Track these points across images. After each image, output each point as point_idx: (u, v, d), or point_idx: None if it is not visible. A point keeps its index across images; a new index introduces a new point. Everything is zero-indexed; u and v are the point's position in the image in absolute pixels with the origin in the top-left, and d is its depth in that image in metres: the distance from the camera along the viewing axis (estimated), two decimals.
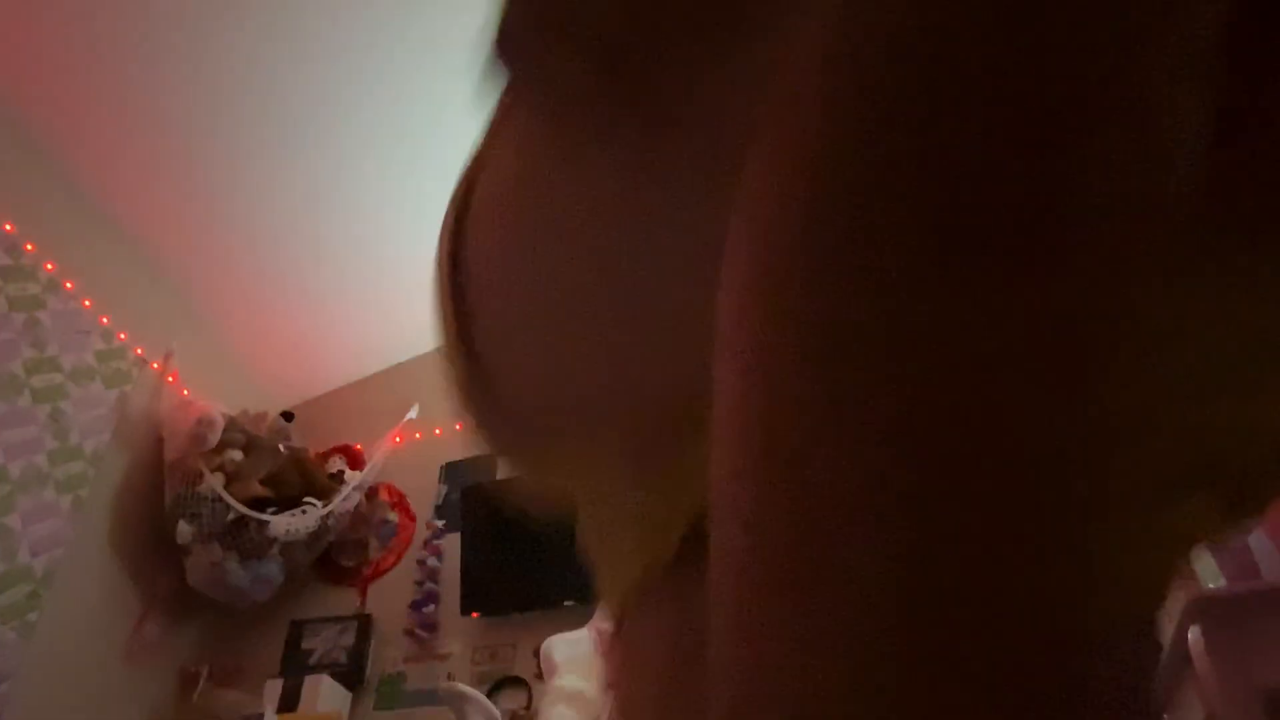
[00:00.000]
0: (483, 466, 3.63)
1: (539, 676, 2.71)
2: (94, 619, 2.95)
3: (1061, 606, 0.22)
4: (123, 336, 3.19)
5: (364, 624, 3.28)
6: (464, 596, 3.19)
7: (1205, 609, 1.52)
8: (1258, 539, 1.80)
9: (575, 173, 0.42)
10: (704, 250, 0.27)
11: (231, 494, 3.04)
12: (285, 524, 3.11)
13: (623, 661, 0.48)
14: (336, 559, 3.54)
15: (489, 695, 2.87)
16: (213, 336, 3.69)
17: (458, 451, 3.74)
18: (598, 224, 0.41)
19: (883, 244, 0.22)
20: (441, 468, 3.71)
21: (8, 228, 2.80)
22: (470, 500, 3.43)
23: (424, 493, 3.67)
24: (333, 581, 3.53)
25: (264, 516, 3.07)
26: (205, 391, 3.45)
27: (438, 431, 3.84)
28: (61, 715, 2.75)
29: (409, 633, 3.25)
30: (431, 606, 3.29)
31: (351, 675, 3.14)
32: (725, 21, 0.33)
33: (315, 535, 3.27)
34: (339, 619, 3.33)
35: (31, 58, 2.65)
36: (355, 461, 3.68)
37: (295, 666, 3.19)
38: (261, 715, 2.86)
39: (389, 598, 3.40)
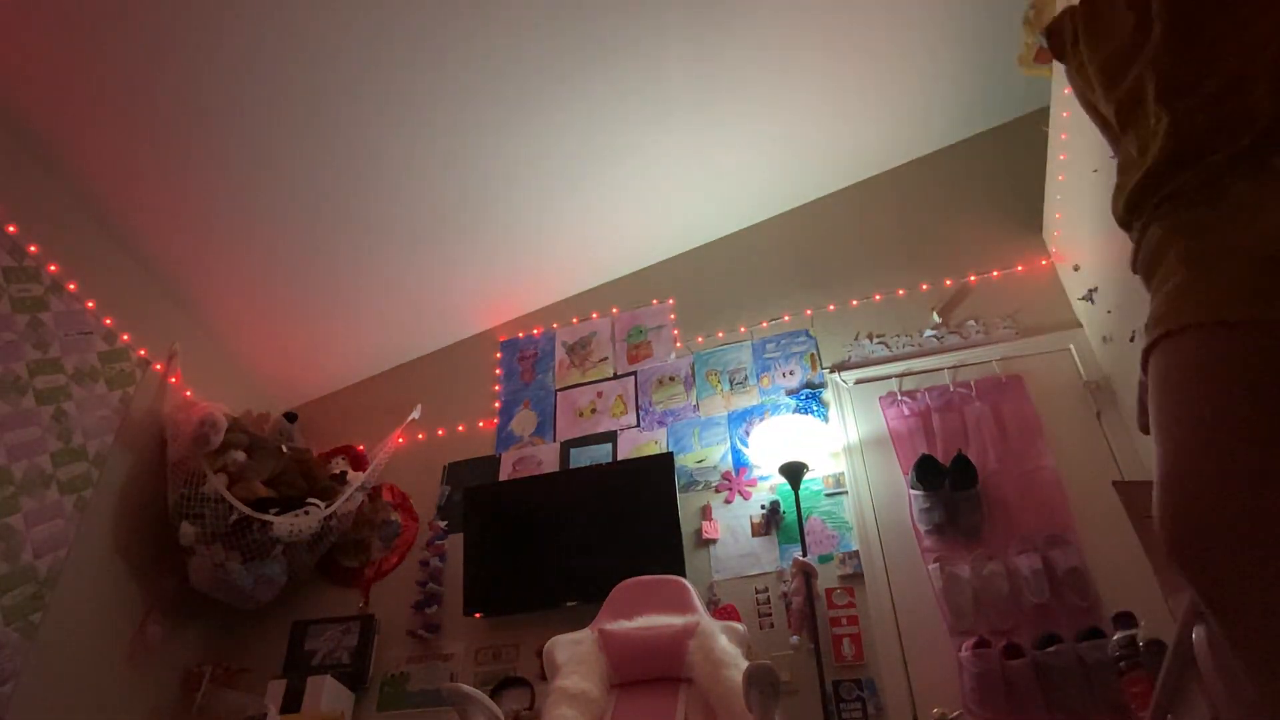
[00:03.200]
0: (485, 467, 3.64)
1: (541, 676, 2.71)
2: (97, 620, 2.95)
3: None
4: (126, 338, 3.19)
5: (367, 624, 3.28)
6: (466, 597, 3.19)
7: None
8: None
9: None
10: None
11: (234, 495, 3.05)
12: (288, 525, 3.11)
13: None
14: (339, 559, 3.54)
15: (492, 695, 2.87)
16: (216, 338, 3.70)
17: (460, 452, 3.75)
18: None
19: None
20: (444, 468, 3.71)
21: (11, 229, 2.81)
22: (473, 501, 3.44)
23: (426, 493, 3.67)
24: (335, 582, 3.53)
25: (267, 517, 3.07)
26: (208, 393, 3.46)
27: (440, 432, 3.84)
28: (65, 715, 2.75)
29: (412, 633, 3.25)
30: (434, 607, 3.30)
31: (354, 676, 3.15)
32: None
33: (318, 536, 3.27)
34: (342, 619, 3.33)
35: (34, 62, 2.65)
36: (358, 462, 3.68)
37: (298, 667, 3.19)
38: (265, 715, 2.87)
39: (391, 598, 3.40)
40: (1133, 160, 1.14)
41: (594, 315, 3.95)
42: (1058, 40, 1.42)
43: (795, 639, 2.75)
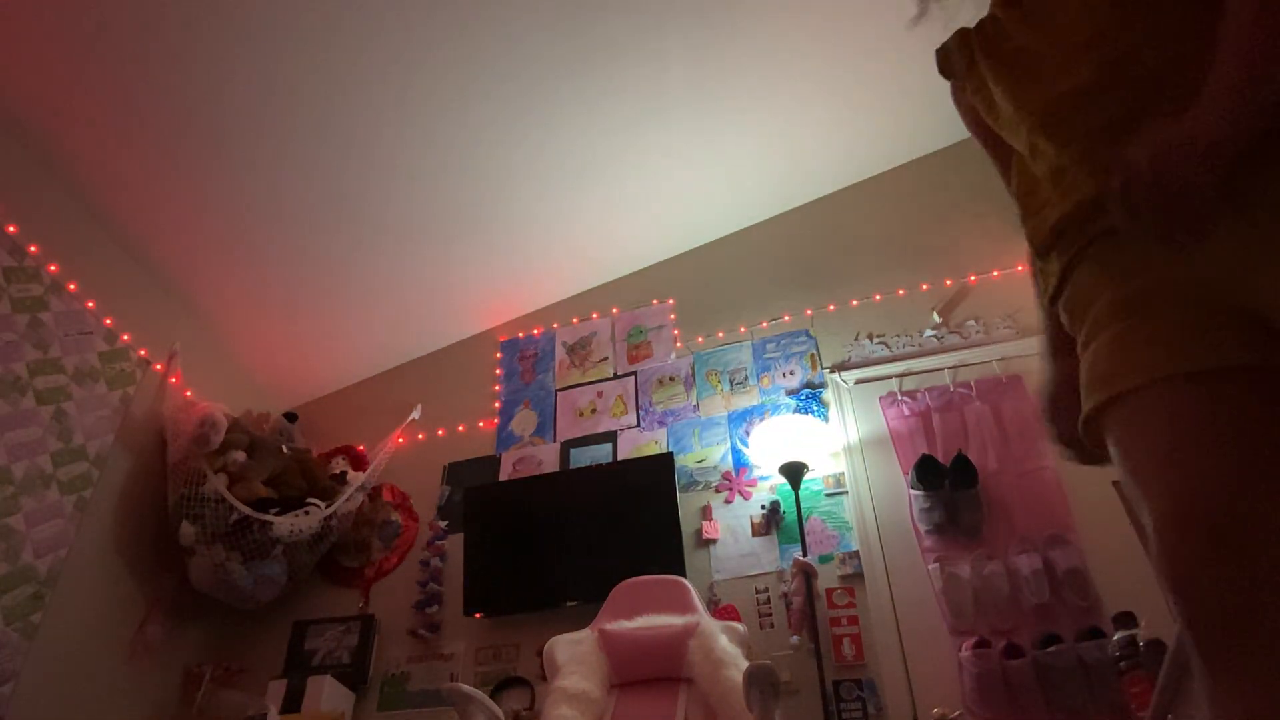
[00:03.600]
0: (485, 467, 3.64)
1: (542, 676, 2.71)
2: (97, 620, 2.95)
3: None
4: (126, 338, 3.19)
5: (367, 624, 3.28)
6: (467, 597, 3.19)
7: None
8: None
9: None
10: None
11: (235, 495, 3.05)
12: (288, 525, 3.11)
13: None
14: (339, 559, 3.54)
15: (492, 695, 2.87)
16: (216, 338, 3.70)
17: (460, 452, 3.75)
18: None
19: None
20: (444, 468, 3.71)
21: (11, 229, 2.81)
22: (473, 501, 3.44)
23: (427, 493, 3.67)
24: (336, 582, 3.53)
25: (267, 517, 3.07)
26: (208, 392, 3.46)
27: (440, 432, 3.84)
28: (65, 715, 2.75)
29: (412, 633, 3.25)
30: (434, 607, 3.30)
31: (355, 675, 3.15)
32: None
33: (318, 536, 3.28)
34: (342, 619, 3.33)
35: (36, 63, 2.66)
36: (358, 462, 3.68)
37: (298, 667, 3.20)
38: (265, 715, 2.87)
39: (392, 598, 3.40)
40: (1060, 184, 1.09)
41: (594, 315, 3.95)
42: (952, 60, 1.41)
43: (795, 639, 2.75)
